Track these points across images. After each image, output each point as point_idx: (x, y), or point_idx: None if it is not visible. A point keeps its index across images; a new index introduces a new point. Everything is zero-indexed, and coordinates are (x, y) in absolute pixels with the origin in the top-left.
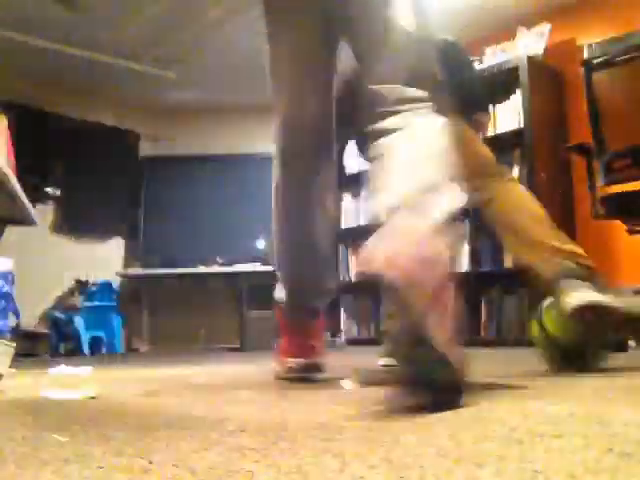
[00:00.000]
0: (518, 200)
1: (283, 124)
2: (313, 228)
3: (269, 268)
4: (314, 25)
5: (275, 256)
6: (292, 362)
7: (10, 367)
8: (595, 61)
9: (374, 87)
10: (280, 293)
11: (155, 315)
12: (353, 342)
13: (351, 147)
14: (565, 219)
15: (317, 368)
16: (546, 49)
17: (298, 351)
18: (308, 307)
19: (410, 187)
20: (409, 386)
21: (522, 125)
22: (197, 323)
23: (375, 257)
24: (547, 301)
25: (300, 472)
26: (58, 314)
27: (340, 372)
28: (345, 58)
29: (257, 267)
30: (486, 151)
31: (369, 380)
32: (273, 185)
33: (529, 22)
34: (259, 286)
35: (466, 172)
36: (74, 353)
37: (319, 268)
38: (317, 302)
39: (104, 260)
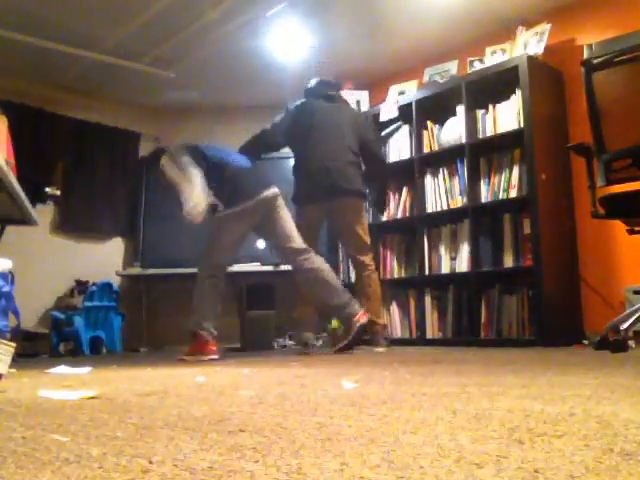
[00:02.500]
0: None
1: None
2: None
3: (269, 268)
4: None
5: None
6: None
7: (10, 367)
8: (595, 61)
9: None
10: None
11: (155, 315)
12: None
13: None
14: (565, 219)
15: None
16: (546, 49)
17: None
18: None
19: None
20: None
21: (522, 125)
22: None
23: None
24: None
25: (300, 472)
26: (58, 314)
27: (340, 371)
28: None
29: (257, 267)
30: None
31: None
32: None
33: (529, 22)
34: (259, 286)
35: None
36: (74, 353)
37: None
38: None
39: (104, 260)
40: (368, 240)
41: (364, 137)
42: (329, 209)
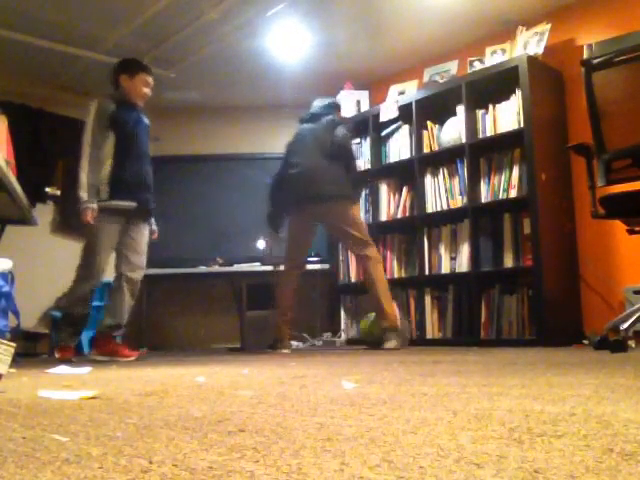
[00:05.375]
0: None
1: None
2: None
3: (269, 268)
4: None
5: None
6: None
7: (10, 367)
8: (595, 61)
9: None
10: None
11: (156, 315)
12: (353, 342)
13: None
14: (565, 219)
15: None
16: (546, 49)
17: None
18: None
19: None
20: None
21: (522, 125)
22: (197, 323)
23: None
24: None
25: (300, 472)
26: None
27: (340, 372)
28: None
29: (257, 267)
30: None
31: None
32: None
33: (529, 22)
34: (259, 286)
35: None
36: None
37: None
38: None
39: None
40: (365, 236)
41: (333, 138)
42: (312, 215)
